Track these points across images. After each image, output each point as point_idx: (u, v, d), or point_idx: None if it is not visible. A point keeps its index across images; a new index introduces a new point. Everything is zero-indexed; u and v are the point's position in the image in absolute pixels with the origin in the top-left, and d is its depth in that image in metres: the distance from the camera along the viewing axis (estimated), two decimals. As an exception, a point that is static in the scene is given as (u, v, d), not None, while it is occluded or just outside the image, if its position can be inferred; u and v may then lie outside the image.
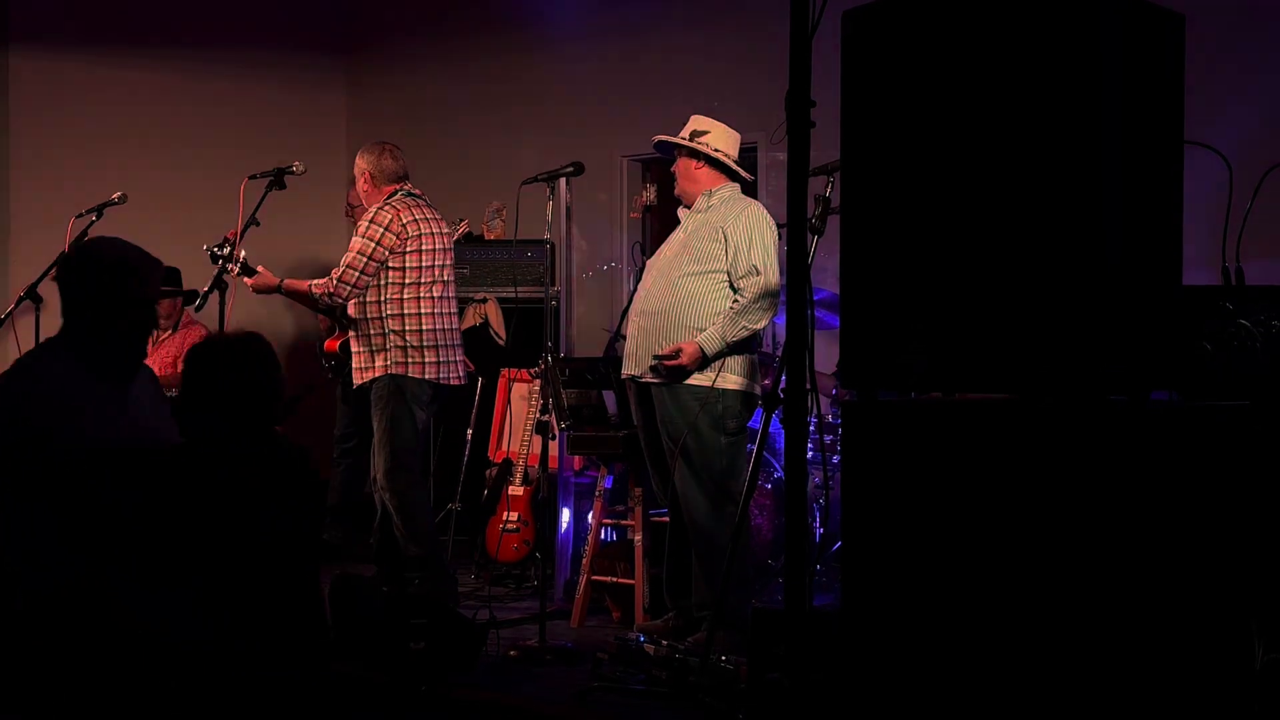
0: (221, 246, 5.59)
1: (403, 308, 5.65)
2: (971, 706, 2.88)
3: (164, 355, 7.65)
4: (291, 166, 5.69)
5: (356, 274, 5.61)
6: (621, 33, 7.90)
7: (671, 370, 4.92)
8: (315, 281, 5.73)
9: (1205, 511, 2.86)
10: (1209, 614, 2.85)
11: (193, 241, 7.61)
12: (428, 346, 5.65)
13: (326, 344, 6.41)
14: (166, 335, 7.74)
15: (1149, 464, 2.83)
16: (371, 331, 5.67)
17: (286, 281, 5.81)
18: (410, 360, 5.63)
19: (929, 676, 2.93)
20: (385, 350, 5.64)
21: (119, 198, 6.15)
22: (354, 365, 5.80)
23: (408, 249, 5.66)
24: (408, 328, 5.64)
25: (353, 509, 7.22)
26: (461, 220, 6.34)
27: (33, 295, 6.01)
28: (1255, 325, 3.35)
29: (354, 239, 5.70)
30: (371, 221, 5.66)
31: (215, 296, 5.46)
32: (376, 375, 5.67)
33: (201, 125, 8.48)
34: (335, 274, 5.63)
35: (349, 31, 9.27)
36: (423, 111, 8.71)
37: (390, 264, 5.65)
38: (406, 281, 5.66)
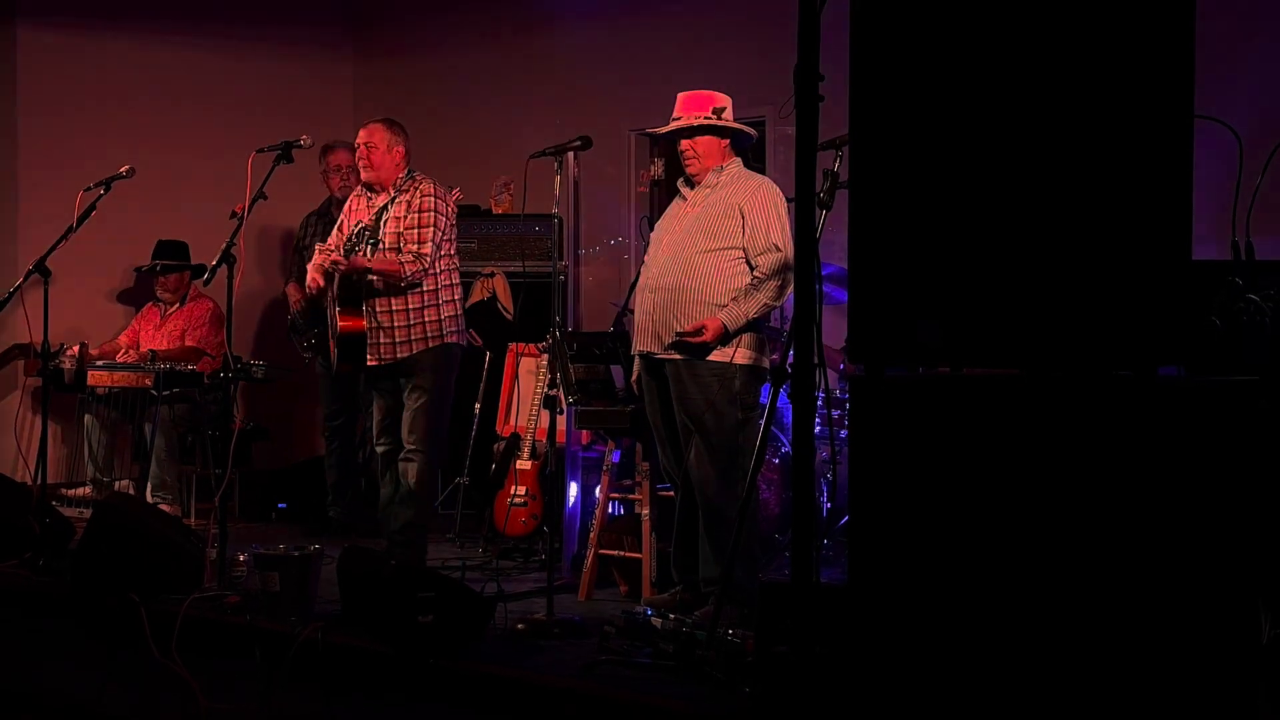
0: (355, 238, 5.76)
1: (452, 279, 5.85)
2: (979, 680, 2.89)
3: (171, 329, 7.66)
4: (299, 140, 5.68)
5: (436, 251, 5.73)
6: (630, 6, 7.88)
7: (694, 346, 4.93)
8: (406, 261, 5.64)
9: (1213, 486, 2.86)
10: (1216, 589, 2.85)
11: (199, 214, 7.66)
12: (461, 315, 5.90)
13: (346, 325, 5.91)
14: (174, 309, 7.75)
15: (1157, 439, 2.82)
16: (424, 304, 5.73)
17: (375, 266, 5.69)
18: (460, 330, 5.87)
19: (937, 651, 2.93)
20: (439, 320, 5.75)
21: (127, 171, 6.15)
22: (386, 340, 5.70)
23: (451, 225, 5.86)
24: (456, 297, 5.86)
25: (353, 485, 7.24)
26: (452, 189, 6.32)
27: (41, 268, 6.02)
28: (1265, 300, 3.34)
29: (424, 215, 5.69)
30: (442, 199, 5.79)
31: (223, 270, 5.46)
32: (430, 346, 5.73)
33: (209, 99, 8.48)
34: (425, 252, 5.66)
35: (357, 6, 9.25)
36: (430, 85, 8.70)
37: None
38: (450, 253, 5.86)
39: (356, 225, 5.86)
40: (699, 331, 4.90)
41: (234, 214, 5.66)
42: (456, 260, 5.94)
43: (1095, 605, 2.78)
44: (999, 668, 2.87)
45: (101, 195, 6.10)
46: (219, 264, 5.44)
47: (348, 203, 6.09)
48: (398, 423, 5.83)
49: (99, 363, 7.29)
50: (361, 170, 5.90)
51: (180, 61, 8.46)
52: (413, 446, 5.75)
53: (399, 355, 5.74)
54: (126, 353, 7.54)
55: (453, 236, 5.87)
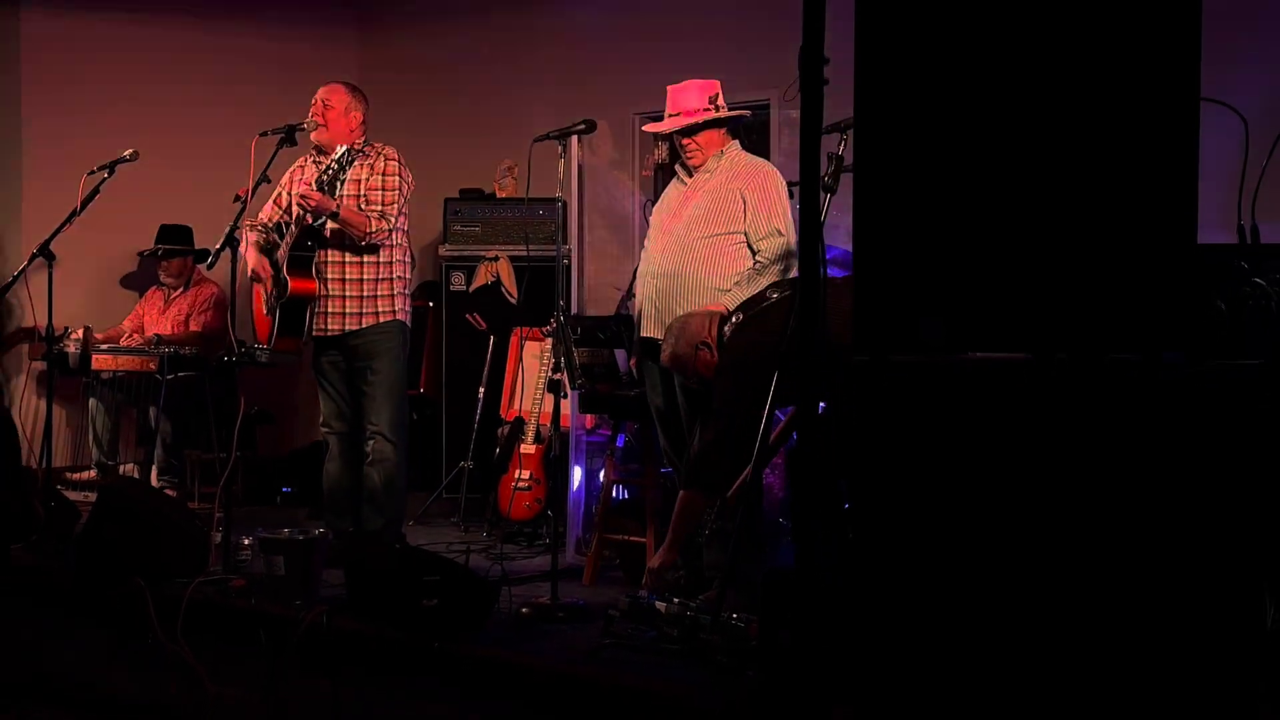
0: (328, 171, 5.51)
1: (406, 255, 5.72)
2: (981, 664, 2.89)
3: (175, 313, 7.67)
4: (302, 124, 5.67)
5: (397, 218, 5.59)
6: (635, -11, 7.86)
7: None
8: (372, 216, 5.53)
9: (1216, 471, 2.85)
10: (1220, 573, 2.85)
11: (203, 198, 7.64)
12: (410, 295, 5.78)
13: (298, 285, 5.61)
14: (178, 293, 7.76)
15: (1161, 425, 2.82)
16: (378, 276, 5.62)
17: (343, 212, 5.50)
18: (408, 309, 5.73)
19: (938, 634, 2.93)
20: (391, 296, 5.63)
21: (130, 155, 6.15)
22: (335, 310, 5.58)
23: (408, 202, 5.73)
24: (408, 275, 5.72)
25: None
26: None
27: (45, 252, 6.02)
28: (1270, 285, 3.33)
29: (389, 179, 5.61)
30: (402, 165, 5.66)
31: (226, 254, 5.46)
32: (381, 320, 5.61)
33: (213, 83, 8.46)
34: (390, 214, 5.55)
35: (360, -12, 9.23)
36: (434, 68, 8.67)
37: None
38: (405, 229, 5.72)
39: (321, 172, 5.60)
40: (704, 318, 4.89)
41: (237, 198, 5.65)
42: (406, 238, 5.74)
43: (1099, 591, 2.78)
44: (1000, 652, 2.87)
45: (105, 179, 6.10)
46: (222, 248, 5.43)
47: (288, 174, 5.88)
48: (351, 406, 5.70)
49: (103, 347, 7.30)
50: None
51: (183, 44, 8.45)
52: (382, 436, 5.58)
53: (347, 327, 5.60)
54: (130, 337, 7.55)
55: (408, 213, 5.71)
